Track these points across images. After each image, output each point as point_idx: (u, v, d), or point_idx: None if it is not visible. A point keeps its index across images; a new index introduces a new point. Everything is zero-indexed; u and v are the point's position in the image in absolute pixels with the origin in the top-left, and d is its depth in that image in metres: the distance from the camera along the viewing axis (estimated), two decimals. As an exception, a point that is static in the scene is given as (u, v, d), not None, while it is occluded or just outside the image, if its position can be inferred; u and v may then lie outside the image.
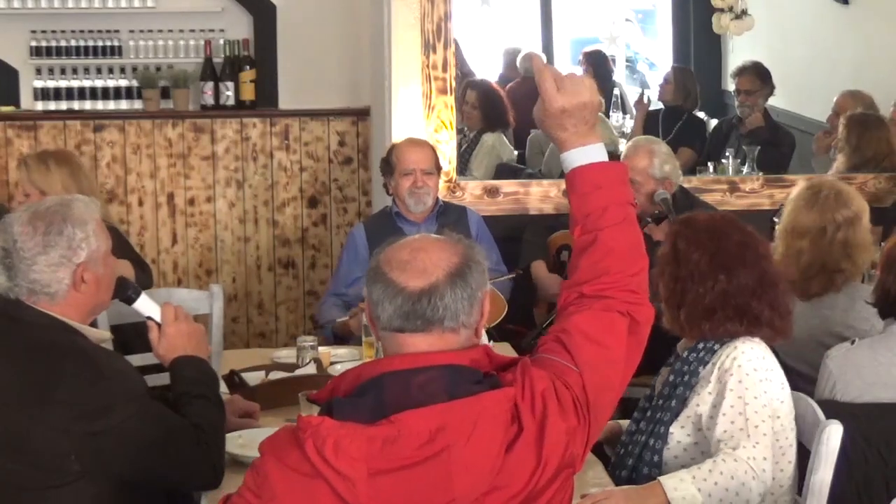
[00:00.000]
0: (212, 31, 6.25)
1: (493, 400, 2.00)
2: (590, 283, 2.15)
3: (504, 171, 6.43)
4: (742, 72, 6.61)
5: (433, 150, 4.77)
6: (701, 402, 2.89)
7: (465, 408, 1.97)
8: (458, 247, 2.08)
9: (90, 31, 6.19)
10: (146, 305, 2.88)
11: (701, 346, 2.96)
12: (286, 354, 3.97)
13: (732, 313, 2.92)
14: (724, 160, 6.13)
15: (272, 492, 1.98)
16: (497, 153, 6.61)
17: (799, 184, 3.98)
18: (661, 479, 2.73)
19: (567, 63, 9.50)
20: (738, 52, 8.07)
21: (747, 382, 2.83)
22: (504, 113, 6.73)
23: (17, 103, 6.21)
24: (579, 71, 8.30)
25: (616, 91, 7.49)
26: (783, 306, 3.01)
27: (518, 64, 8.05)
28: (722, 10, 6.18)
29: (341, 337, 4.37)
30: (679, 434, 2.91)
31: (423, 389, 1.99)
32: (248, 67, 6.21)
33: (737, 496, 2.71)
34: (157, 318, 2.86)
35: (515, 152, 7.11)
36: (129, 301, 2.88)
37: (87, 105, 6.22)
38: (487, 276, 2.10)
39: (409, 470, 1.95)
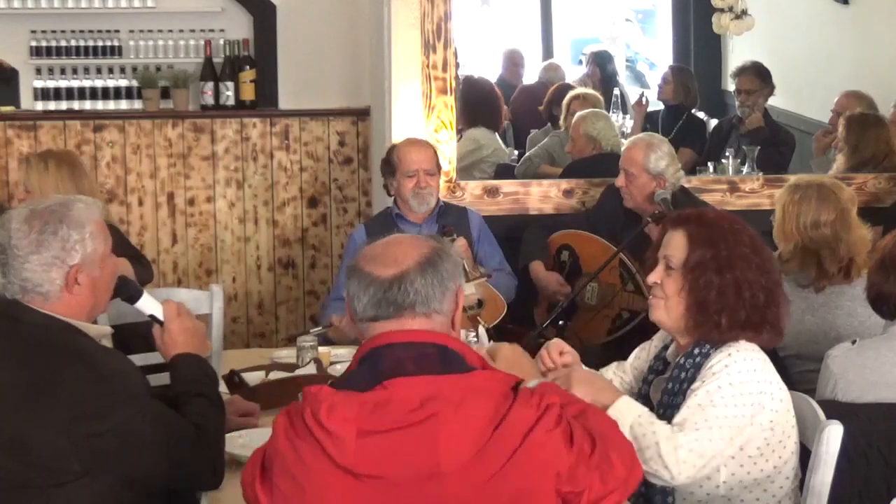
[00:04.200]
0: (212, 31, 6.24)
1: (485, 378, 2.10)
2: None
3: (504, 171, 6.42)
4: (742, 72, 6.61)
5: (433, 149, 4.76)
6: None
7: (456, 381, 2.07)
8: (430, 241, 2.19)
9: (90, 31, 6.19)
10: (148, 304, 2.90)
11: (696, 350, 2.84)
12: (286, 354, 3.97)
13: (769, 325, 2.81)
14: (724, 160, 6.13)
15: (279, 455, 2.09)
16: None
17: (790, 189, 4.01)
18: (624, 398, 2.72)
19: (567, 63, 9.50)
20: (738, 52, 8.07)
21: (724, 392, 2.71)
22: (492, 111, 6.66)
23: (17, 103, 6.21)
24: (582, 70, 8.32)
25: (616, 91, 7.50)
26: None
27: (540, 71, 8.08)
28: (722, 10, 6.18)
29: (334, 341, 4.33)
30: None
31: (417, 363, 2.08)
32: (248, 67, 6.21)
33: (640, 451, 2.59)
34: (160, 316, 2.88)
35: (516, 152, 7.10)
36: (132, 301, 2.89)
37: (87, 105, 6.22)
38: (462, 273, 2.20)
39: (396, 433, 2.03)
